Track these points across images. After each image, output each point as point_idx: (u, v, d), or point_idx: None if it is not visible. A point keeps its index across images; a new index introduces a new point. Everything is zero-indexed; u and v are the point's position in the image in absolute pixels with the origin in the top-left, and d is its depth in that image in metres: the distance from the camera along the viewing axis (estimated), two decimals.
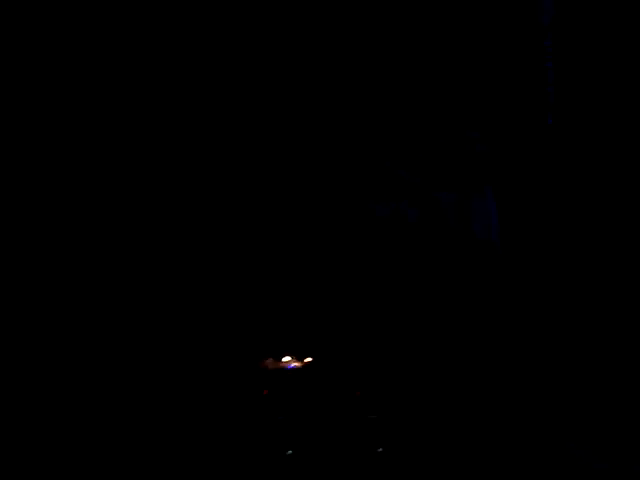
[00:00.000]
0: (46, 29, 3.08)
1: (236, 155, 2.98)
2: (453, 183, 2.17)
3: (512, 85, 2.30)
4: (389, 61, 2.16)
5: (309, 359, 2.21)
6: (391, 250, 2.17)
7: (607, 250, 3.25)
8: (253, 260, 2.84)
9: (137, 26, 3.04)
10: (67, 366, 3.00)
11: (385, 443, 2.14)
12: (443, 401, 2.20)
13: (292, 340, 2.31)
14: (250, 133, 3.02)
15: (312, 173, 2.76)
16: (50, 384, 2.95)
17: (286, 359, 2.27)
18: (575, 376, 3.09)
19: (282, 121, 2.91)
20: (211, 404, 2.75)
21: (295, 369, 2.24)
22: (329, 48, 2.58)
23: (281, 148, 2.93)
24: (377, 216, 2.16)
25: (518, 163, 2.66)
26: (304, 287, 2.37)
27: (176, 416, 2.80)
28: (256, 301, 2.70)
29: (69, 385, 2.97)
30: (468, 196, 2.18)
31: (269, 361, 2.34)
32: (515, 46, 2.30)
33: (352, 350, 2.23)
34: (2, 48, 3.08)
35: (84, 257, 3.09)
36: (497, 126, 2.31)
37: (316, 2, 2.81)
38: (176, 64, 3.04)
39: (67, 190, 3.12)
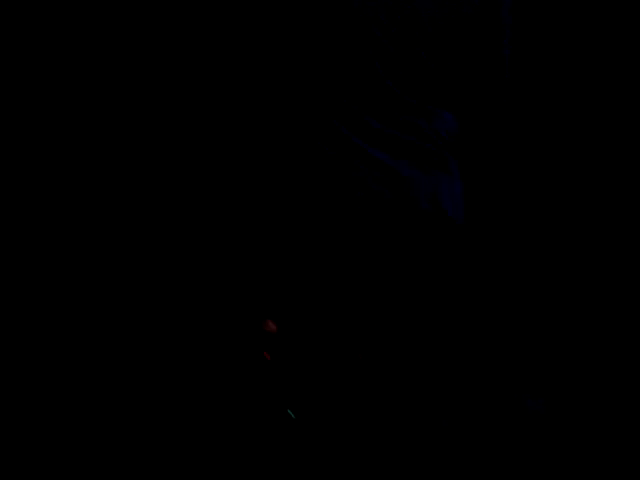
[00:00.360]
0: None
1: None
2: (421, 161, 2.19)
3: (474, 63, 2.38)
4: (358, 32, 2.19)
5: (307, 321, 2.25)
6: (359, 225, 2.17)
7: (571, 223, 3.41)
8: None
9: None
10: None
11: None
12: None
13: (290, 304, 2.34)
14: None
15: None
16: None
17: (285, 321, 2.29)
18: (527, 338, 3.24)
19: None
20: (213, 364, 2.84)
21: (295, 331, 2.27)
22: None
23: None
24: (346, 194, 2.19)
25: (481, 141, 2.76)
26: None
27: (182, 379, 2.89)
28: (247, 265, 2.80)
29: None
30: (437, 175, 2.21)
31: (269, 323, 2.36)
32: (478, 27, 2.39)
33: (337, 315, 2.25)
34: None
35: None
36: (461, 104, 2.36)
37: None
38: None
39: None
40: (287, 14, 2.30)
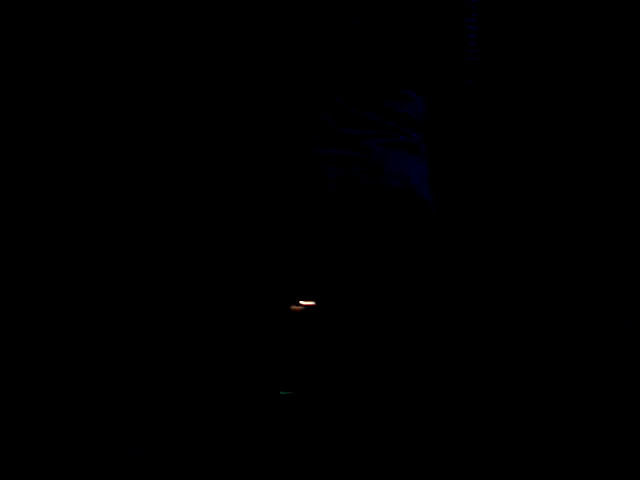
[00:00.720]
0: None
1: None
2: (392, 142, 2.24)
3: (441, 47, 2.45)
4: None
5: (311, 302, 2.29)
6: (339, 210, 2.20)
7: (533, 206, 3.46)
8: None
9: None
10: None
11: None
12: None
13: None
14: None
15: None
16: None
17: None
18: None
19: None
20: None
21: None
22: None
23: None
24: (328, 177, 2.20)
25: (447, 121, 2.80)
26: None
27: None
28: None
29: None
30: (407, 155, 2.26)
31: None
32: (445, 15, 2.47)
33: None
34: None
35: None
36: (429, 86, 2.36)
37: None
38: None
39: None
40: (269, 5, 2.37)
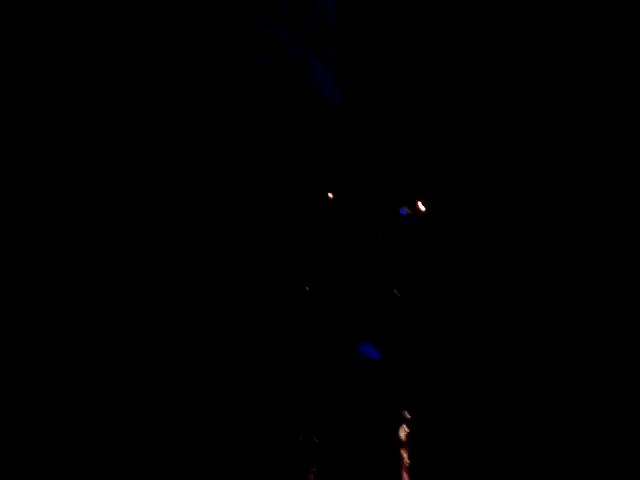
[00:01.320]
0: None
1: None
2: (300, 38, 2.37)
3: None
4: None
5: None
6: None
7: None
8: None
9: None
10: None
11: None
12: None
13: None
14: None
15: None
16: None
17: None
18: None
19: None
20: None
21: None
22: None
23: None
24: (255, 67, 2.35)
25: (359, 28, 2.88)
26: None
27: None
28: None
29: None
30: (310, 51, 2.39)
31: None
32: None
33: None
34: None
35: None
36: None
37: None
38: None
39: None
40: None
